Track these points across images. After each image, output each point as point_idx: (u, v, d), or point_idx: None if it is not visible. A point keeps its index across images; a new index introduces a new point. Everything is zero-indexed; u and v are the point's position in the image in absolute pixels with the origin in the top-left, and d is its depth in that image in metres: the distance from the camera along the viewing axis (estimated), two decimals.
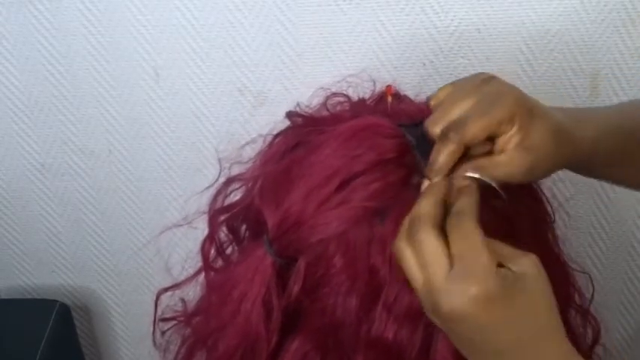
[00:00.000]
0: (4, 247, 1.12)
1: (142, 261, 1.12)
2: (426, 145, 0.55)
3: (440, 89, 0.58)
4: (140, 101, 0.99)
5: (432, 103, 0.57)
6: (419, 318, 0.52)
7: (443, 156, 0.52)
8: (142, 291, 1.15)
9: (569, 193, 1.00)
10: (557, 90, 0.96)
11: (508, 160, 0.53)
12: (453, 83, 0.58)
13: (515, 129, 0.53)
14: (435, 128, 0.54)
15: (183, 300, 0.63)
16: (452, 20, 0.92)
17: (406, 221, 0.51)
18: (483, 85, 0.55)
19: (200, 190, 0.64)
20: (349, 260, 0.53)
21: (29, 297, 1.16)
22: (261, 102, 0.98)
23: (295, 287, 0.55)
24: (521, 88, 0.55)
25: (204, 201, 0.63)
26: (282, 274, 0.55)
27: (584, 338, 0.67)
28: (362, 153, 0.53)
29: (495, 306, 0.47)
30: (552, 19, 0.92)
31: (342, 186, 0.53)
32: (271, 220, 0.54)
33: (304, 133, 0.59)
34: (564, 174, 1.01)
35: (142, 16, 0.93)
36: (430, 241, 0.48)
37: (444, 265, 0.48)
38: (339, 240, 0.53)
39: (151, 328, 0.65)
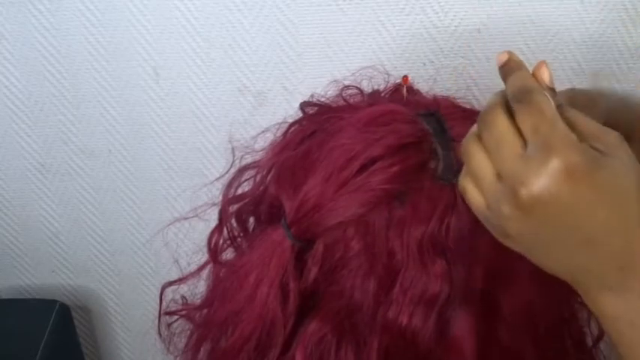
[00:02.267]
0: (4, 247, 1.12)
1: (142, 261, 1.12)
2: (443, 133, 0.55)
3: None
4: (140, 101, 0.99)
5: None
6: (433, 303, 0.52)
7: None
8: (141, 291, 1.14)
9: None
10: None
11: None
12: None
13: None
14: None
15: (184, 297, 0.63)
16: (452, 20, 0.92)
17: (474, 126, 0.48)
18: None
19: (199, 189, 0.64)
20: (368, 243, 0.53)
21: (29, 297, 1.16)
22: (261, 102, 0.98)
23: (313, 270, 0.54)
24: None
25: (205, 196, 0.63)
26: (300, 257, 0.55)
27: (588, 334, 0.67)
28: (381, 137, 0.53)
29: (581, 183, 0.43)
30: (552, 19, 0.91)
31: (361, 169, 0.53)
32: (289, 203, 0.54)
33: (321, 120, 0.59)
34: None
35: (142, 16, 0.93)
36: (499, 119, 0.45)
37: (517, 143, 0.44)
38: (358, 223, 0.53)
39: (151, 328, 0.65)
